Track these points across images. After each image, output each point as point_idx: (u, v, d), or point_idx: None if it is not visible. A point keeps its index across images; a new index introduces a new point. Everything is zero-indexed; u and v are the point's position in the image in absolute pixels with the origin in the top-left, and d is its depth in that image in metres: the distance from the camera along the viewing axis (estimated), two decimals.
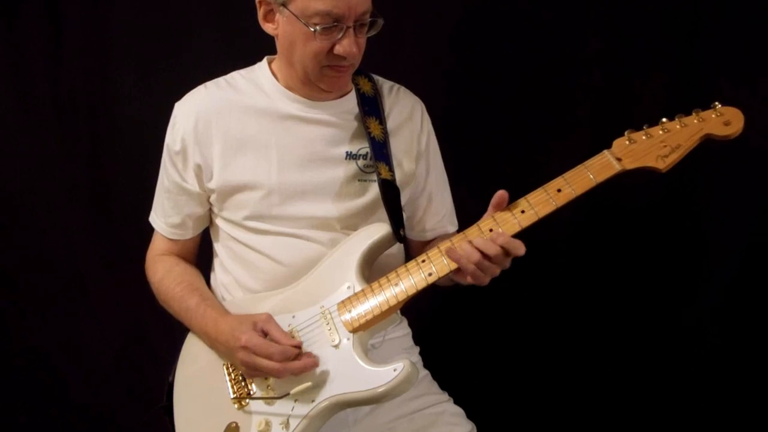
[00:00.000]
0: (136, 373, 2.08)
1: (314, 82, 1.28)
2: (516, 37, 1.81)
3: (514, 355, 1.94)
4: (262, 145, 1.31)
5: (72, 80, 1.97)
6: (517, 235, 1.15)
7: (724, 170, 1.70)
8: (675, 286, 1.84)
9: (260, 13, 1.27)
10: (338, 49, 1.20)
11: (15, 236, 2.05)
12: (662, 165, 1.13)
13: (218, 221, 1.39)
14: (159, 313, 1.43)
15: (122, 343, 2.10)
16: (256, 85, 1.35)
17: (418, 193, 1.43)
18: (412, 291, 1.21)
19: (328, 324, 1.23)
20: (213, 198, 1.36)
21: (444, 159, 1.48)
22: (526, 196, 1.17)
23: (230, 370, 1.30)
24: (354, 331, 1.22)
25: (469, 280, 1.17)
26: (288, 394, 1.20)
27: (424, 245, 1.47)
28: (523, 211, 1.16)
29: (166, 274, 1.40)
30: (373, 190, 1.33)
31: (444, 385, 1.48)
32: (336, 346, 1.22)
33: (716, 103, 1.15)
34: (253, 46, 1.39)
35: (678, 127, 1.15)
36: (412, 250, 1.49)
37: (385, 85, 1.43)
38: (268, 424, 1.22)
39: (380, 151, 1.33)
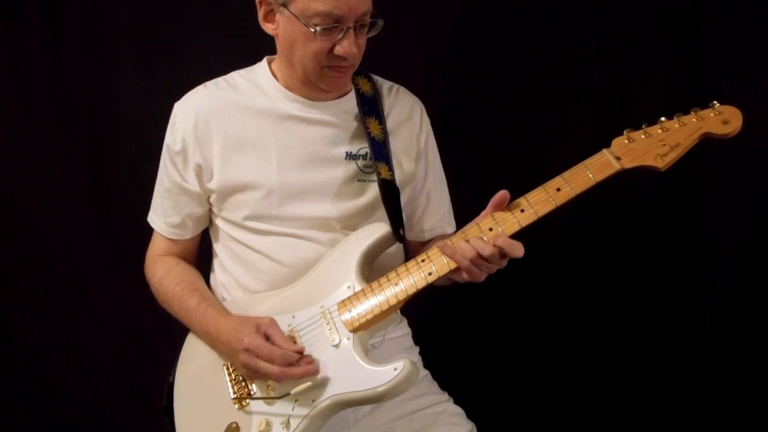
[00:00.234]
0: (136, 373, 2.08)
1: (314, 83, 1.28)
2: (516, 37, 1.81)
3: (514, 355, 1.94)
4: (261, 145, 1.31)
5: (72, 80, 1.97)
6: (516, 234, 1.15)
7: (723, 169, 1.71)
8: (674, 286, 1.84)
9: (260, 13, 1.27)
10: (338, 49, 1.20)
11: (15, 236, 2.05)
12: (661, 164, 1.14)
13: (218, 221, 1.39)
14: (159, 313, 1.43)
15: (122, 343, 2.10)
16: (255, 85, 1.35)
17: (417, 192, 1.43)
18: (412, 290, 1.21)
19: (328, 324, 1.23)
20: (213, 198, 1.36)
21: (444, 159, 1.48)
22: (526, 195, 1.18)
23: (230, 370, 1.30)
24: (354, 330, 1.22)
25: (464, 276, 1.17)
26: (288, 394, 1.20)
27: (423, 245, 1.48)
28: (522, 210, 1.16)
29: (165, 273, 1.40)
30: (373, 190, 1.34)
31: (444, 385, 1.48)
32: (336, 346, 1.22)
33: (715, 102, 1.15)
34: (253, 46, 1.39)
35: (677, 126, 1.15)
36: (411, 251, 1.49)
37: (385, 85, 1.43)
38: (268, 424, 1.22)
39: (380, 151, 1.33)
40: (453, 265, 1.17)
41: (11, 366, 2.11)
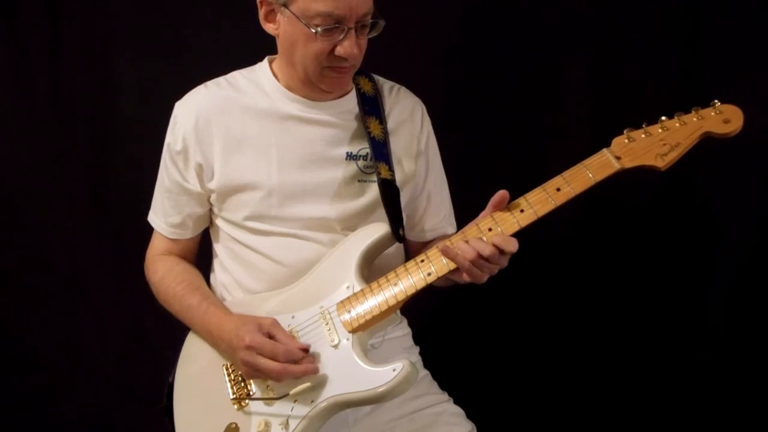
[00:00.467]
0: (136, 373, 2.08)
1: (315, 83, 1.28)
2: (516, 37, 1.81)
3: (514, 355, 1.94)
4: (262, 145, 1.31)
5: (72, 80, 1.97)
6: (515, 235, 1.15)
7: (724, 169, 1.70)
8: (675, 286, 1.84)
9: (261, 13, 1.26)
10: (339, 50, 1.20)
11: (15, 236, 2.05)
12: (661, 163, 1.13)
13: (218, 221, 1.39)
14: (159, 313, 1.43)
15: (122, 343, 2.10)
16: (256, 85, 1.35)
17: (417, 193, 1.43)
18: (411, 291, 1.21)
19: (327, 324, 1.23)
20: (213, 198, 1.35)
21: (444, 159, 1.48)
22: (525, 195, 1.17)
23: (230, 370, 1.30)
24: (353, 331, 1.22)
25: (465, 278, 1.17)
26: (287, 394, 1.20)
27: (424, 246, 1.47)
28: (522, 211, 1.16)
29: (166, 273, 1.40)
30: (373, 191, 1.33)
31: (444, 385, 1.48)
32: (335, 347, 1.22)
33: (715, 100, 1.14)
34: (253, 46, 1.38)
35: (677, 125, 1.15)
36: (412, 251, 1.49)
37: (386, 85, 1.43)
38: (267, 424, 1.22)
39: (380, 151, 1.33)
40: (452, 266, 1.17)
41: (11, 366, 2.11)
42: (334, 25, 1.18)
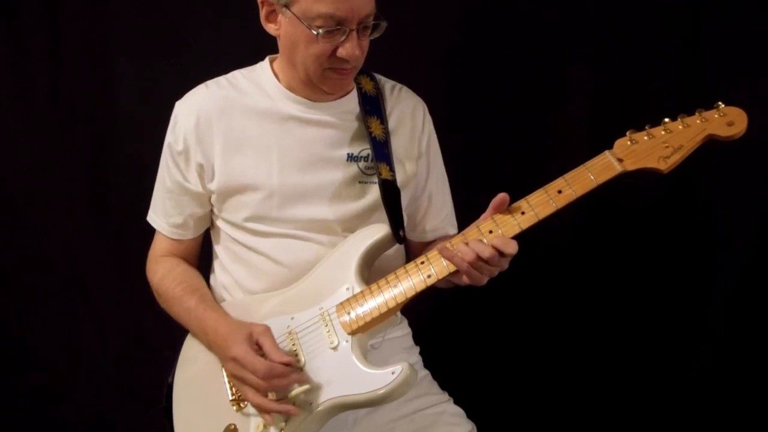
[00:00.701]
0: (136, 373, 2.07)
1: (316, 84, 1.27)
2: (516, 37, 1.81)
3: (514, 356, 1.94)
4: (262, 146, 1.31)
5: (72, 80, 1.97)
6: (516, 237, 1.14)
7: (725, 170, 1.70)
8: (677, 289, 1.84)
9: (262, 13, 1.26)
10: (341, 52, 1.20)
11: (15, 236, 2.05)
12: (664, 166, 1.12)
13: (218, 222, 1.39)
14: (159, 313, 1.43)
15: (122, 343, 2.10)
16: (257, 85, 1.34)
17: (418, 193, 1.43)
18: (411, 293, 1.20)
19: (326, 326, 1.23)
20: (213, 199, 1.35)
21: (444, 159, 1.48)
22: (527, 197, 1.17)
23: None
24: (353, 333, 1.21)
25: (465, 280, 1.16)
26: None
27: (425, 246, 1.47)
28: (523, 213, 1.15)
29: (166, 274, 1.40)
30: (374, 192, 1.33)
31: (444, 385, 1.48)
32: (335, 348, 1.21)
33: (719, 103, 1.13)
34: (253, 46, 1.38)
35: (680, 127, 1.13)
36: (413, 252, 1.48)
37: (387, 84, 1.42)
38: (266, 426, 1.21)
39: (381, 151, 1.33)
40: (453, 268, 1.17)
41: (11, 366, 2.11)
42: (336, 26, 1.17)
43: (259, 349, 1.20)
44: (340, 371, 1.19)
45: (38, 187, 2.02)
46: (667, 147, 1.13)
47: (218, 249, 1.42)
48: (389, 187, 1.32)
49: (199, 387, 1.34)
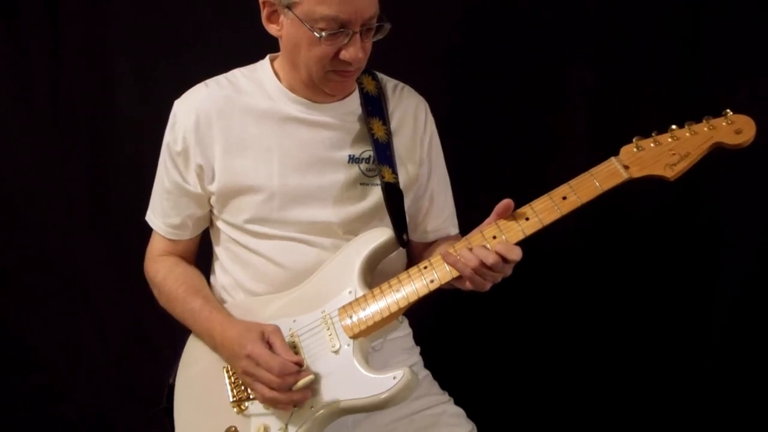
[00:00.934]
0: (136, 373, 2.07)
1: (318, 86, 1.26)
2: (516, 37, 1.81)
3: (514, 356, 1.94)
4: (263, 147, 1.30)
5: (72, 80, 1.97)
6: (520, 243, 1.13)
7: (730, 173, 1.68)
8: (681, 296, 1.83)
9: (264, 13, 1.24)
10: (344, 54, 1.19)
11: (15, 236, 2.05)
12: (670, 173, 1.11)
13: (218, 223, 1.38)
14: (159, 313, 1.43)
15: (122, 343, 2.10)
16: (258, 85, 1.33)
17: (420, 194, 1.42)
18: (413, 297, 1.20)
19: (328, 329, 1.23)
20: (213, 200, 1.35)
21: (444, 160, 1.48)
22: (531, 203, 1.16)
23: (230, 373, 1.30)
24: (354, 337, 1.21)
25: (468, 285, 1.16)
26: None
27: (426, 247, 1.46)
28: (527, 219, 1.15)
29: (167, 274, 1.39)
30: (376, 194, 1.32)
31: (444, 385, 1.48)
32: (336, 352, 1.21)
33: (728, 110, 1.12)
34: (254, 46, 1.38)
35: (687, 134, 1.12)
36: (414, 252, 1.47)
37: (390, 83, 1.41)
38: (266, 429, 1.22)
39: (383, 153, 1.32)
40: (456, 273, 1.16)
41: (11, 366, 2.11)
42: (339, 29, 1.16)
43: (269, 348, 1.20)
44: (342, 375, 1.19)
45: (38, 187, 2.02)
46: (673, 154, 1.12)
47: (218, 250, 1.42)
48: (392, 190, 1.31)
49: (200, 388, 1.34)
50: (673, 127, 1.14)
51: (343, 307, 1.24)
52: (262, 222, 1.31)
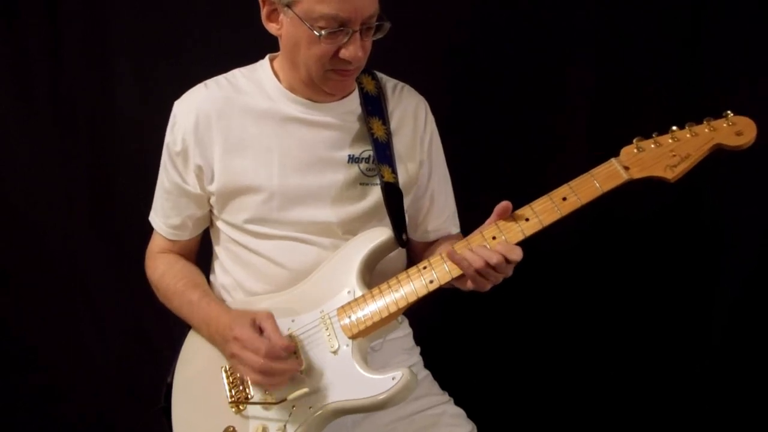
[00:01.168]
0: (136, 373, 2.07)
1: (318, 85, 1.26)
2: (516, 37, 1.81)
3: (515, 356, 1.94)
4: (263, 147, 1.30)
5: (72, 80, 1.97)
6: (520, 243, 1.13)
7: (731, 174, 1.68)
8: (680, 297, 1.83)
9: (263, 12, 1.24)
10: (344, 53, 1.19)
11: (15, 236, 2.05)
12: (671, 175, 1.11)
13: (219, 224, 1.38)
14: (159, 313, 1.43)
15: (122, 343, 2.10)
16: (257, 85, 1.33)
17: (420, 193, 1.42)
18: (412, 297, 1.20)
19: (327, 329, 1.23)
20: (213, 200, 1.35)
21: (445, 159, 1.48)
22: (531, 204, 1.16)
23: (228, 373, 1.30)
24: (353, 337, 1.21)
25: (469, 285, 1.16)
26: (285, 399, 1.19)
27: (427, 246, 1.46)
28: (527, 219, 1.15)
29: (167, 270, 1.40)
30: (375, 194, 1.32)
31: (444, 385, 1.48)
32: (335, 352, 1.21)
33: (728, 112, 1.12)
34: (253, 46, 1.38)
35: (688, 136, 1.12)
36: (415, 252, 1.47)
37: (389, 83, 1.41)
38: (265, 429, 1.21)
39: (383, 153, 1.32)
40: (455, 273, 1.16)
41: (11, 366, 2.11)
42: (339, 27, 1.15)
43: (260, 333, 1.19)
44: (341, 375, 1.19)
45: (38, 187, 2.02)
46: (674, 156, 1.11)
47: (218, 250, 1.42)
48: (392, 190, 1.31)
49: (198, 388, 1.34)
50: (674, 128, 1.14)
51: (342, 307, 1.24)
52: (261, 222, 1.31)
